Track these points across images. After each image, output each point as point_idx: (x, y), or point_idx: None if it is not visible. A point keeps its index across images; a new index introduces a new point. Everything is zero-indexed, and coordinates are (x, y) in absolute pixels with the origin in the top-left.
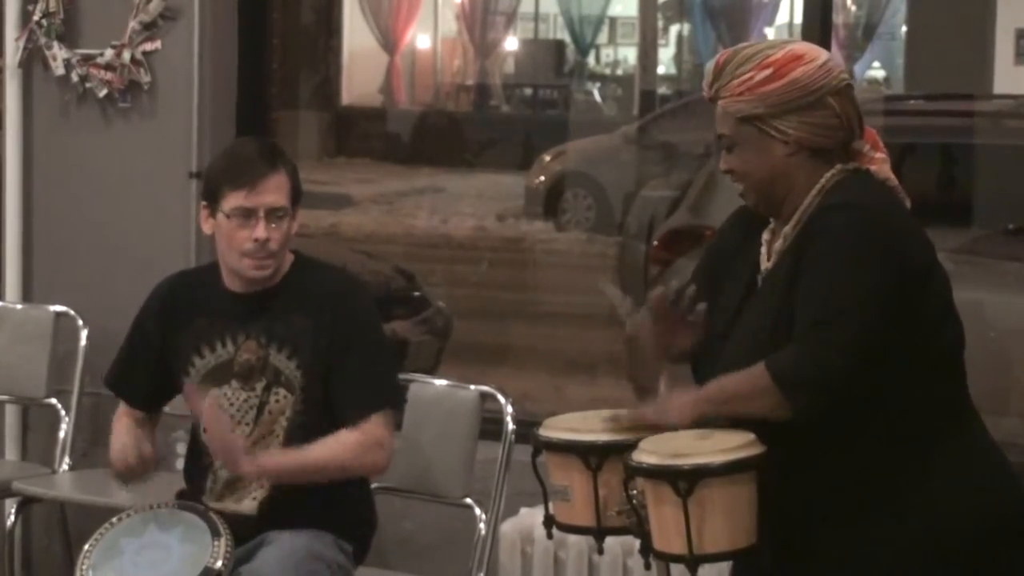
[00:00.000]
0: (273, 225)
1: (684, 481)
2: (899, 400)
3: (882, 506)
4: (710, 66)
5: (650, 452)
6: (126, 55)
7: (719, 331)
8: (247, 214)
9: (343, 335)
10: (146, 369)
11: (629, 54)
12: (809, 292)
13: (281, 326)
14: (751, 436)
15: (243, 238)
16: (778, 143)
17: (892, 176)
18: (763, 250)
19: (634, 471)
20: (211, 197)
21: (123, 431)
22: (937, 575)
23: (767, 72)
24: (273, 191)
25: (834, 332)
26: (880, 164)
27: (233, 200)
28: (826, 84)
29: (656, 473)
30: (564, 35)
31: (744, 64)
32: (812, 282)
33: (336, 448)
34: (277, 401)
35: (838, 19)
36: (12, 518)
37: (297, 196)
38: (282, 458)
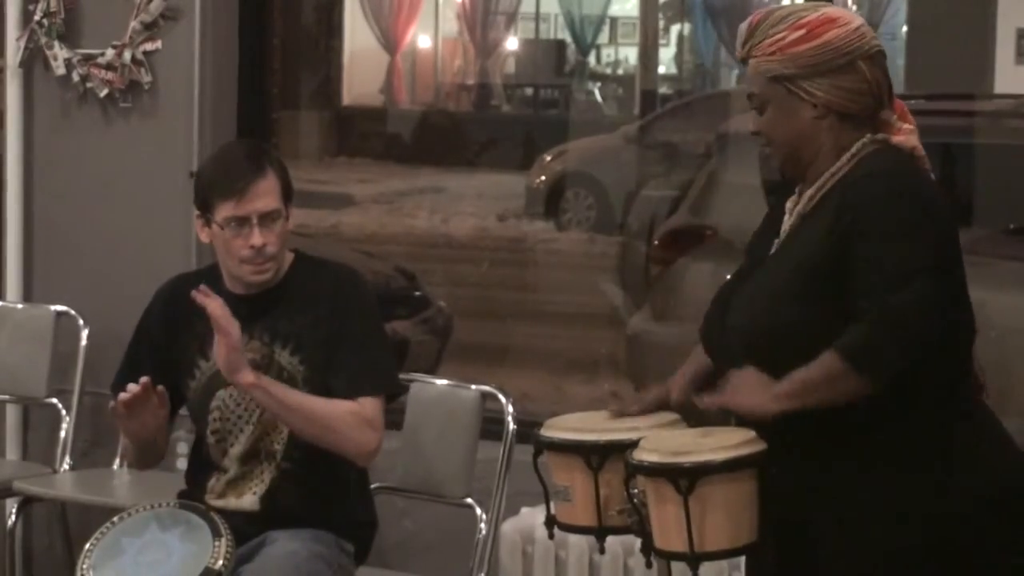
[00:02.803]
0: (267, 229)
1: (685, 479)
2: (908, 387)
3: (884, 498)
4: (744, 26)
5: (651, 450)
6: (127, 55)
7: (729, 291)
8: (240, 222)
9: (340, 323)
10: (153, 376)
11: (630, 54)
12: (868, 265)
13: (284, 324)
14: (751, 434)
15: (239, 246)
16: (806, 105)
17: (919, 146)
18: (786, 218)
19: (635, 469)
20: (203, 207)
21: None
22: (938, 566)
23: (800, 32)
24: (263, 196)
25: (907, 295)
26: (907, 135)
27: (224, 210)
28: (858, 48)
29: (657, 471)
30: (565, 35)
31: (778, 24)
32: (868, 254)
33: (329, 407)
34: None
35: None
36: (13, 518)
37: (289, 194)
38: (280, 386)
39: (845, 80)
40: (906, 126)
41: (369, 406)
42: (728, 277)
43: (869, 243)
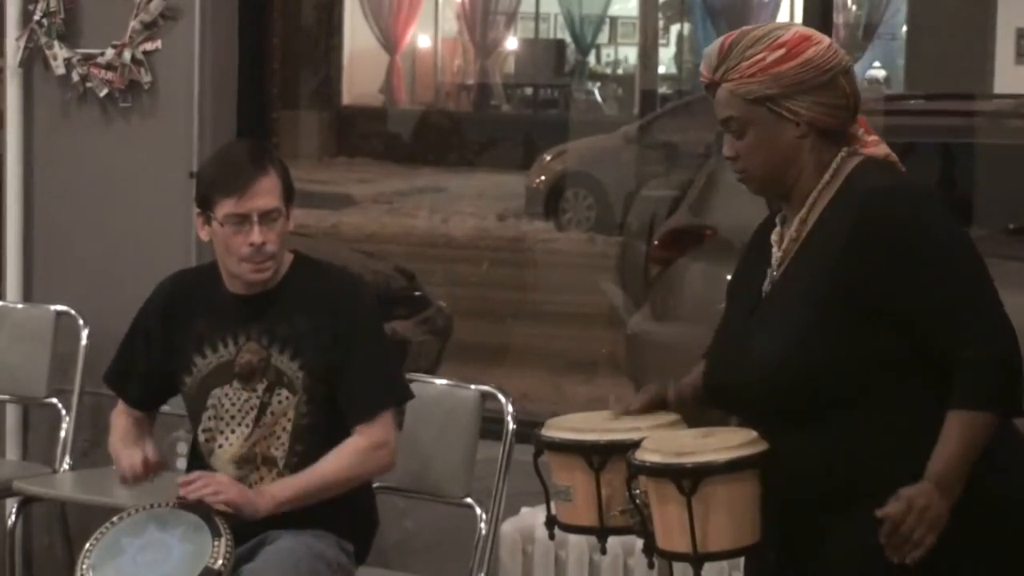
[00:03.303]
0: (268, 227)
1: (688, 479)
2: (906, 390)
3: (885, 496)
4: (712, 50)
5: (653, 451)
6: (127, 55)
7: (737, 331)
8: (240, 220)
9: (345, 334)
10: (146, 368)
11: (630, 54)
12: (933, 293)
13: (283, 327)
14: (753, 434)
15: (239, 243)
16: (790, 124)
17: (892, 153)
18: (774, 250)
19: (638, 470)
20: (204, 205)
21: (124, 433)
22: (940, 566)
23: (780, 52)
24: (264, 194)
25: (990, 316)
26: (875, 146)
27: (225, 207)
28: (837, 64)
29: (660, 472)
30: (565, 35)
31: (754, 45)
32: (925, 281)
33: (344, 460)
34: (279, 402)
35: (839, 19)
36: (13, 517)
37: (289, 194)
38: (293, 483)
39: (826, 96)
40: (871, 138)
41: (381, 427)
42: (722, 320)
43: (917, 265)
